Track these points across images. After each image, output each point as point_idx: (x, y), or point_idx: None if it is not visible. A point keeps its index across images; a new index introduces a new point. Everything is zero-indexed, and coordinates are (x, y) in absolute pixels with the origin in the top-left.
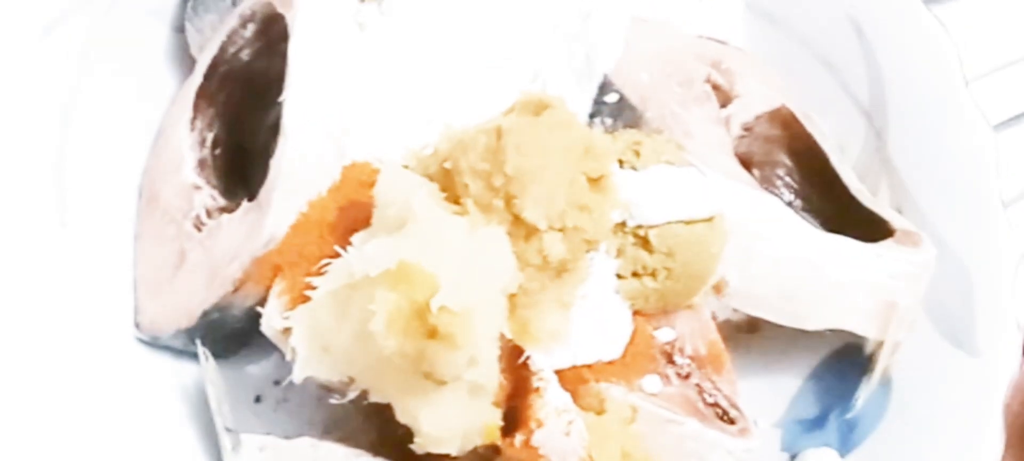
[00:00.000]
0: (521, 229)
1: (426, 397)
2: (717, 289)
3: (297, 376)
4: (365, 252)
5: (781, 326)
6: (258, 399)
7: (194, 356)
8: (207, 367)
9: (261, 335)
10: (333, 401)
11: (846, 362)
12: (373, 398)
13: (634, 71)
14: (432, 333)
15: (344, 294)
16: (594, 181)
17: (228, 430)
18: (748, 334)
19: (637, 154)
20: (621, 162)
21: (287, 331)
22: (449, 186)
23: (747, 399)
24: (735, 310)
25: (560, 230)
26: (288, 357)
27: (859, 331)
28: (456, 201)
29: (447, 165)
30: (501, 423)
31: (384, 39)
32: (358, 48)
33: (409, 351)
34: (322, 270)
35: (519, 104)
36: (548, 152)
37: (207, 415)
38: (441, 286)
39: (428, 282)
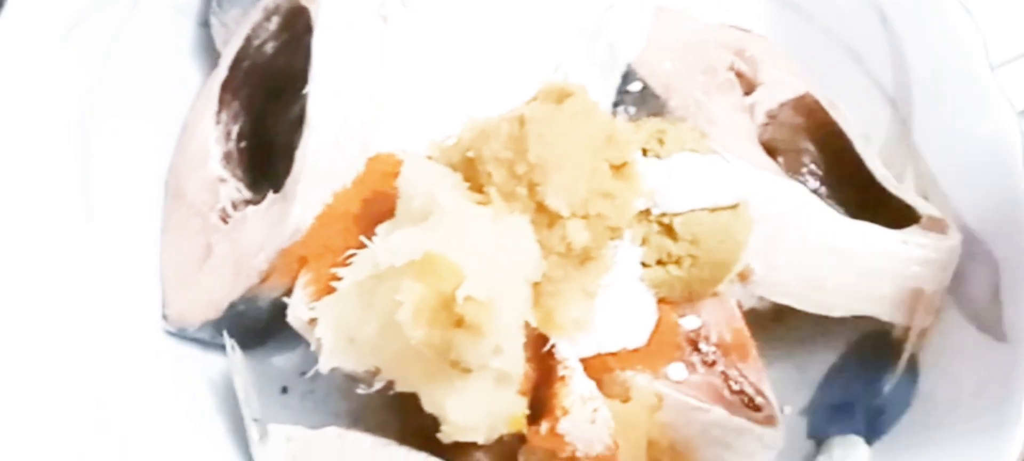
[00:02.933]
0: (544, 217)
1: (452, 386)
2: (742, 277)
3: (323, 367)
4: (390, 243)
5: (807, 314)
6: (285, 390)
7: (221, 348)
8: (234, 358)
9: (287, 326)
10: (359, 391)
11: (872, 349)
12: (399, 388)
13: (657, 60)
14: (458, 322)
15: (369, 285)
16: (617, 168)
17: (255, 420)
18: (773, 322)
19: (661, 142)
20: (645, 151)
21: (313, 322)
22: (472, 175)
23: (773, 386)
24: (761, 298)
25: (583, 217)
26: (314, 348)
27: (885, 318)
28: (479, 190)
29: (470, 154)
30: (527, 411)
31: (407, 32)
32: (381, 41)
33: (435, 341)
34: (347, 261)
35: (541, 93)
36: (570, 140)
37: (235, 406)
38: (467, 276)
39: (454, 272)
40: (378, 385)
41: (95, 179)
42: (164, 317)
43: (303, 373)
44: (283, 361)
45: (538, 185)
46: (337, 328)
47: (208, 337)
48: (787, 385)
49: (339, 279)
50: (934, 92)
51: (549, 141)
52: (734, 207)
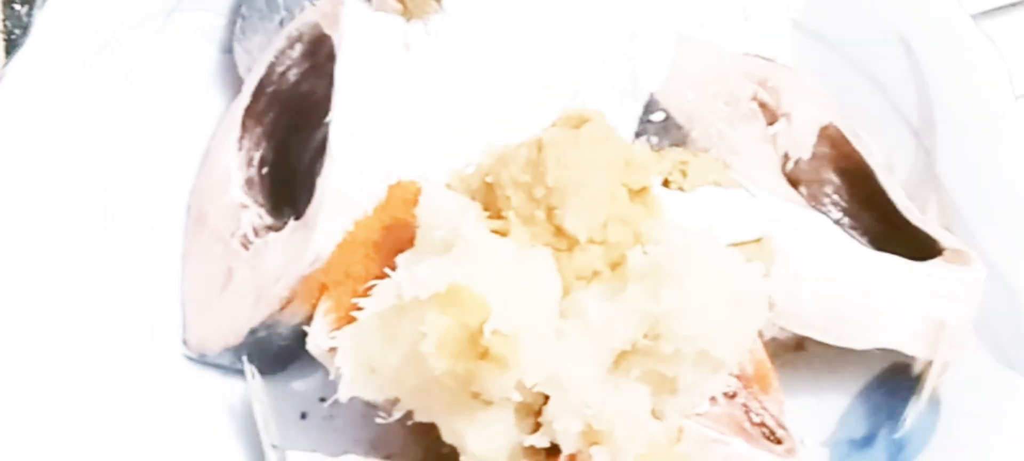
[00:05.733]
0: (563, 241)
1: (473, 417)
2: None
3: (343, 395)
4: (415, 275)
5: (829, 345)
6: (304, 416)
7: (241, 373)
8: (253, 384)
9: (307, 352)
10: (379, 420)
11: (895, 381)
12: (419, 418)
13: (680, 90)
14: (483, 355)
15: (392, 315)
16: (635, 193)
17: (274, 447)
18: (795, 352)
19: (684, 174)
20: (667, 182)
21: (333, 350)
22: (491, 202)
23: (794, 418)
24: (782, 328)
25: (601, 243)
26: (333, 376)
27: (908, 351)
28: (498, 216)
29: (489, 179)
30: (547, 443)
31: (429, 60)
32: (404, 69)
33: (459, 372)
34: (368, 291)
35: (560, 119)
36: (588, 163)
37: (254, 432)
38: (492, 309)
39: (480, 305)
40: (398, 414)
41: (118, 204)
42: (184, 342)
43: (322, 399)
44: (302, 386)
45: (556, 209)
46: (358, 358)
47: (228, 363)
48: (808, 416)
49: (360, 309)
50: (958, 123)
51: (567, 165)
52: (757, 241)
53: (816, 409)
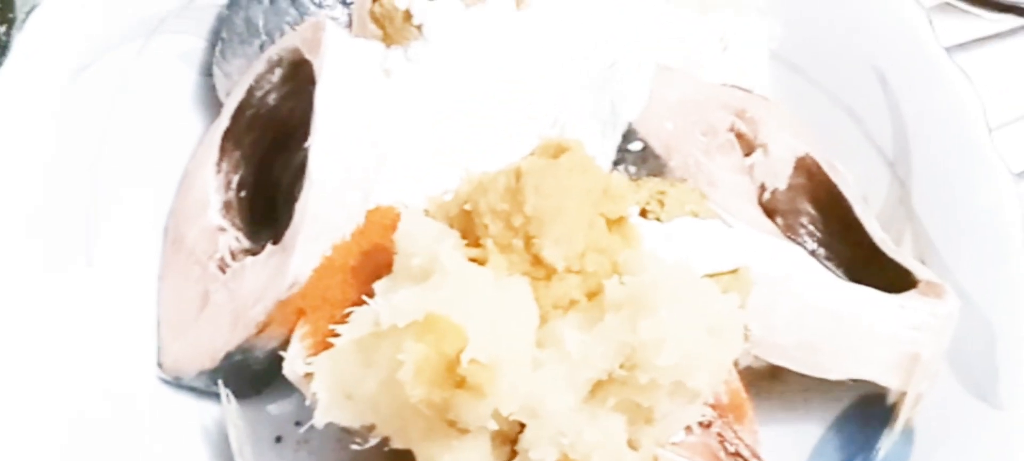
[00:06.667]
0: (540, 270)
1: (449, 445)
2: None
3: (319, 421)
4: (393, 302)
5: (803, 375)
6: (279, 439)
7: (216, 396)
8: (229, 408)
9: (283, 376)
10: (354, 447)
11: (868, 412)
12: (394, 444)
13: (658, 119)
14: (460, 383)
15: (369, 342)
16: (613, 223)
17: None
18: (769, 381)
19: (661, 204)
20: (645, 212)
21: (309, 376)
22: (469, 229)
23: (768, 447)
24: (756, 358)
25: (578, 273)
26: (309, 402)
27: (882, 382)
28: (476, 243)
29: (467, 207)
30: None
31: (410, 86)
32: (384, 94)
33: (436, 400)
34: (346, 317)
35: (539, 148)
36: (566, 192)
37: (228, 455)
38: (470, 339)
39: (458, 334)
40: (374, 441)
41: (97, 224)
42: (159, 364)
43: (298, 423)
44: (278, 409)
45: (534, 238)
46: (334, 384)
47: (203, 385)
48: (782, 445)
49: (337, 334)
50: (932, 156)
51: (546, 193)
52: (734, 272)
53: (790, 439)
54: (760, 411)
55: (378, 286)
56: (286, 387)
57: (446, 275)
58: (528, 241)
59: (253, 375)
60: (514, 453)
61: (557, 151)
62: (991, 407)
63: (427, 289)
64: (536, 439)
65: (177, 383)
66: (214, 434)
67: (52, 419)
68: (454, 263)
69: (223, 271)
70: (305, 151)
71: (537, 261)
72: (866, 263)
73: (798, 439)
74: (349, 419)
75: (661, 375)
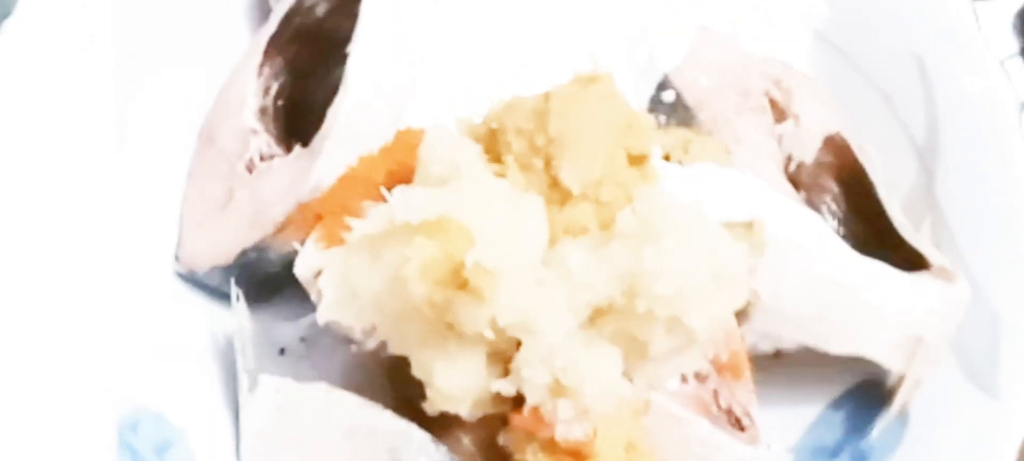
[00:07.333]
0: (557, 194)
1: (444, 351)
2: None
3: (321, 318)
4: (408, 199)
5: (804, 359)
6: (282, 351)
7: (227, 299)
8: (238, 307)
9: (294, 288)
10: (353, 349)
11: (866, 394)
12: (392, 350)
13: (694, 74)
14: (462, 285)
15: (380, 240)
16: (634, 159)
17: (247, 371)
18: (771, 359)
19: (686, 151)
20: (668, 156)
21: (319, 275)
22: (493, 147)
23: (766, 424)
24: (759, 343)
25: (594, 201)
26: (314, 299)
27: (883, 362)
28: (498, 160)
29: (494, 125)
30: (513, 391)
31: (454, 11)
32: (428, 16)
33: (437, 300)
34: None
35: (572, 79)
36: (591, 119)
37: (231, 357)
38: (477, 243)
39: (466, 237)
40: (371, 344)
41: (133, 111)
42: (176, 257)
43: (303, 339)
44: (285, 326)
45: (554, 159)
46: (342, 280)
47: (216, 283)
48: (780, 422)
49: (351, 232)
50: (961, 148)
51: (570, 118)
52: (748, 225)
53: (788, 416)
54: (761, 389)
55: (396, 191)
56: (296, 304)
57: (463, 181)
58: (548, 162)
59: (265, 278)
60: (507, 372)
61: (588, 81)
62: (988, 396)
63: (443, 192)
64: (530, 358)
65: (191, 278)
66: (222, 343)
67: (63, 297)
68: (472, 171)
69: (250, 172)
70: (341, 71)
71: (555, 184)
72: (882, 245)
73: (796, 417)
74: (351, 318)
75: (658, 305)
